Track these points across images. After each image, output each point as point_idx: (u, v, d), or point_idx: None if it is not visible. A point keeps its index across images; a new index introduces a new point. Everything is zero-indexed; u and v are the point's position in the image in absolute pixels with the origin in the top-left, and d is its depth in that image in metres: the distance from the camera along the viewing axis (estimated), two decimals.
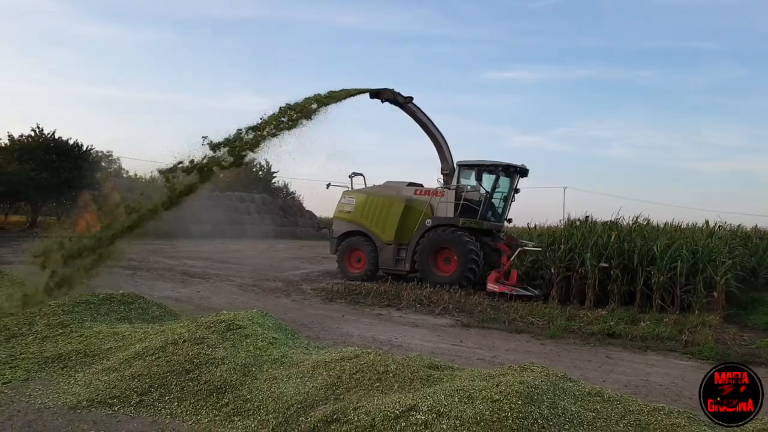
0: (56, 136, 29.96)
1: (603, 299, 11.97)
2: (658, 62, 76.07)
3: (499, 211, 14.38)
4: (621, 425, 3.58)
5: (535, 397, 3.58)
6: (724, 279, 10.92)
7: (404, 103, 14.00)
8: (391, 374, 4.42)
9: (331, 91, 10.45)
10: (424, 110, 14.68)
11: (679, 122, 78.51)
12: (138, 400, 4.43)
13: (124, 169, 44.27)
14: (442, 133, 15.03)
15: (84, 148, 31.79)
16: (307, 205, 45.66)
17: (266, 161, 51.75)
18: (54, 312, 6.12)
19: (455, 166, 14.41)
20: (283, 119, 9.01)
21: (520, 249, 12.74)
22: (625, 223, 14.55)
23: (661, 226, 16.48)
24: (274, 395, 4.30)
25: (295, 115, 9.04)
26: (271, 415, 4.08)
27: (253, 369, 4.76)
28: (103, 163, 38.60)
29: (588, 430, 3.42)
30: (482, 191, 13.82)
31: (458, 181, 14.07)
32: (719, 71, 71.34)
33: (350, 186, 15.47)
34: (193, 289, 11.91)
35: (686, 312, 10.86)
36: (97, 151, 36.92)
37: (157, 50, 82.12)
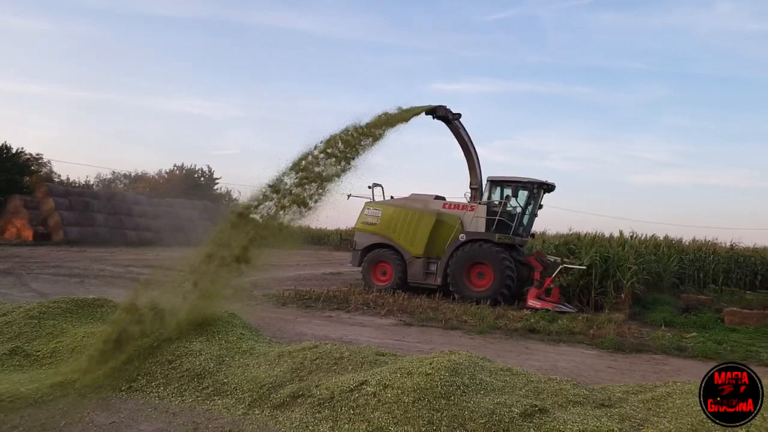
0: None
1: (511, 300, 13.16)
2: (593, 79, 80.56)
3: (525, 226, 14.55)
4: (523, 390, 4.68)
5: (459, 371, 4.63)
6: (630, 282, 12.52)
7: (453, 119, 13.95)
8: (345, 359, 5.38)
9: (392, 113, 9.48)
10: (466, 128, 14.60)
11: (612, 137, 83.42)
12: (128, 386, 5.19)
13: (55, 173, 43.09)
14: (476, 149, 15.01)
15: (13, 151, 30.93)
16: None
17: (208, 167, 51.49)
18: (34, 315, 6.70)
19: (485, 181, 14.45)
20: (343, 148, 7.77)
21: (562, 266, 12.97)
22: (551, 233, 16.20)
23: (584, 234, 18.31)
24: (248, 378, 5.16)
25: (360, 142, 7.96)
26: (246, 394, 4.95)
27: (227, 359, 5.60)
28: (33, 167, 37.57)
29: (498, 394, 4.49)
30: (510, 206, 14.02)
31: (489, 197, 14.21)
32: (647, 90, 76.43)
33: (372, 197, 15.19)
34: (147, 296, 12.38)
35: (600, 311, 12.34)
36: (26, 154, 35.93)
37: (90, 46, 79.38)
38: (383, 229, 14.56)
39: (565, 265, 13.02)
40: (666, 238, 23.85)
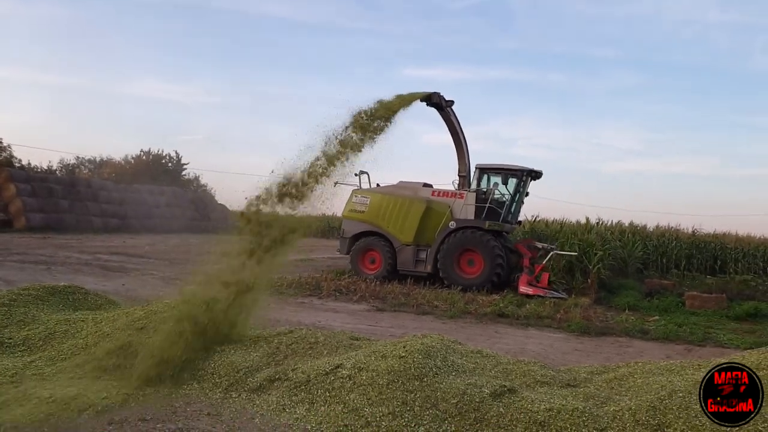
0: None
1: (501, 287, 13.51)
2: (565, 66, 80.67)
3: (513, 213, 14.78)
4: (493, 372, 4.86)
5: (432, 353, 4.78)
6: (596, 268, 12.90)
7: (446, 106, 13.90)
8: (320, 344, 5.48)
9: (390, 101, 8.70)
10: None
11: (582, 124, 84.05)
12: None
13: (16, 158, 41.72)
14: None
15: None
16: (220, 198, 44.93)
17: (176, 152, 50.62)
18: (4, 302, 6.61)
19: (474, 169, 14.53)
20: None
21: (553, 253, 13.11)
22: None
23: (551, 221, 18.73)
24: (224, 363, 5.21)
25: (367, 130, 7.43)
26: (223, 378, 5.01)
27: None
28: None
29: (469, 376, 4.65)
30: (497, 194, 14.17)
31: (478, 184, 14.36)
32: (617, 78, 77.11)
33: (359, 184, 14.87)
34: (116, 283, 12.28)
35: (567, 295, 12.70)
36: None
37: (54, 28, 75.90)
38: (372, 217, 14.40)
39: (557, 252, 13.23)
40: (631, 224, 24.66)
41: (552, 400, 4.23)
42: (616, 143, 78.69)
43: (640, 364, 5.12)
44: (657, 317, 10.79)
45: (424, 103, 13.40)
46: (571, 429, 3.91)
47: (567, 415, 4.01)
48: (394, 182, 15.06)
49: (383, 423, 4.12)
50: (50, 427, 4.10)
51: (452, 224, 13.70)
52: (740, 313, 11.45)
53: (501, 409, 4.13)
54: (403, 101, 9.24)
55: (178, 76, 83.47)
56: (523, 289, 12.57)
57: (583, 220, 18.37)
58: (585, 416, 4.00)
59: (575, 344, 8.29)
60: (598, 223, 18.65)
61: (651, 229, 24.81)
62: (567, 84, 79.10)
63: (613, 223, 23.17)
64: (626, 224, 24.28)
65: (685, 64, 72.00)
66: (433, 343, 5.02)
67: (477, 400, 4.21)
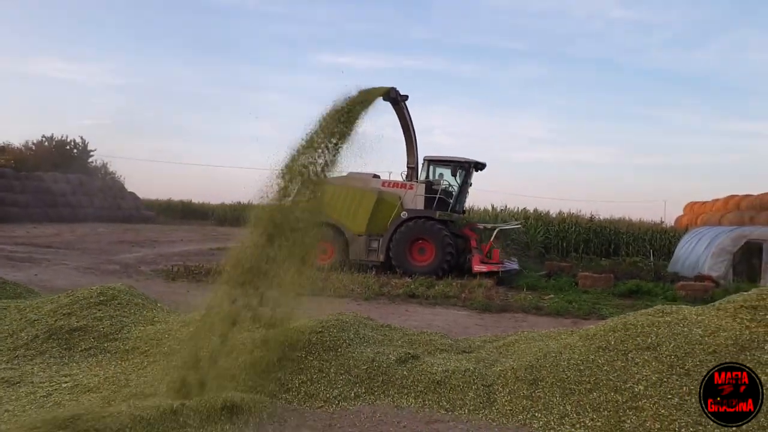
0: None
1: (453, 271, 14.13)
2: (477, 58, 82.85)
3: (460, 202, 15.45)
4: (399, 342, 5.55)
5: (345, 328, 5.39)
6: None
7: (401, 101, 14.14)
8: (240, 324, 5.91)
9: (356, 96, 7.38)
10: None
11: (493, 113, 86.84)
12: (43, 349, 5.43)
13: None
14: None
15: None
16: (129, 185, 43.29)
17: (81, 138, 48.04)
18: None
19: (423, 161, 15.09)
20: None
21: (498, 229, 13.71)
22: None
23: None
24: (146, 335, 5.59)
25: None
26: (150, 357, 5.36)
27: (131, 326, 5.92)
28: None
29: (378, 346, 5.30)
30: (445, 184, 14.88)
31: (426, 176, 14.97)
32: (526, 69, 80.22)
33: None
34: (28, 273, 11.95)
35: (473, 277, 13.70)
36: None
37: None
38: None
39: (500, 228, 14.14)
40: (535, 211, 26.33)
41: (448, 363, 4.96)
42: (525, 132, 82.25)
43: (524, 333, 5.97)
44: (552, 295, 11.95)
45: (381, 98, 13.50)
46: (463, 386, 4.65)
47: (460, 375, 4.74)
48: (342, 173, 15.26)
49: (302, 389, 4.68)
50: None
51: (404, 214, 14.20)
52: (624, 290, 12.85)
53: (405, 372, 4.80)
54: (370, 98, 7.82)
55: (77, 54, 78.22)
56: (477, 267, 13.22)
57: (491, 208, 19.67)
58: (475, 375, 4.75)
59: (476, 320, 9.18)
60: (502, 210, 19.96)
61: (554, 216, 26.64)
62: (479, 74, 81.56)
63: (519, 209, 24.75)
64: (531, 211, 25.97)
65: (589, 57, 76.27)
66: (347, 319, 5.64)
67: (384, 365, 4.86)
